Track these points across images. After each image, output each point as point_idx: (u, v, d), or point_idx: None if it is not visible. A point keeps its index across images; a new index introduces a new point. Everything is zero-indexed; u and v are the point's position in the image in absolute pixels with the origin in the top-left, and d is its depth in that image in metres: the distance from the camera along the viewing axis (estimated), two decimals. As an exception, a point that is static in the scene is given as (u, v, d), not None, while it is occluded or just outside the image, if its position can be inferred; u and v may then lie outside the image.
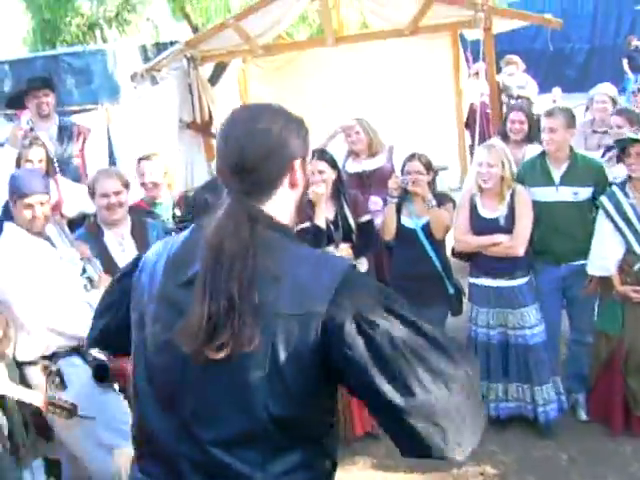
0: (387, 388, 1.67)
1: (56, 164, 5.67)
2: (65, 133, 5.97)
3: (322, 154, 4.89)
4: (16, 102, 6.25)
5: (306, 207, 4.65)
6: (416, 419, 1.67)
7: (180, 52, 7.90)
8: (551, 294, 4.88)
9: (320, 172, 4.74)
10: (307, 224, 4.66)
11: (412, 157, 4.96)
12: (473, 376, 1.75)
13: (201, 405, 1.80)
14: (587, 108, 9.79)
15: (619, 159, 4.62)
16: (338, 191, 4.88)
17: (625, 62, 15.84)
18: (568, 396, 4.93)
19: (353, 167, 5.77)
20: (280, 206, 1.89)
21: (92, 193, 4.33)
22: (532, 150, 5.37)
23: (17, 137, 5.64)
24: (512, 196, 4.65)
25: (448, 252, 5.07)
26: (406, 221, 4.94)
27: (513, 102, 9.35)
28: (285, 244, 1.84)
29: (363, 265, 4.90)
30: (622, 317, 4.56)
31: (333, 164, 4.87)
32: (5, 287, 3.64)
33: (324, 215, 4.71)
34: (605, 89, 6.61)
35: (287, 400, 1.74)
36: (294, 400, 1.75)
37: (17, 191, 3.75)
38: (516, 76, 10.52)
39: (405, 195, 4.95)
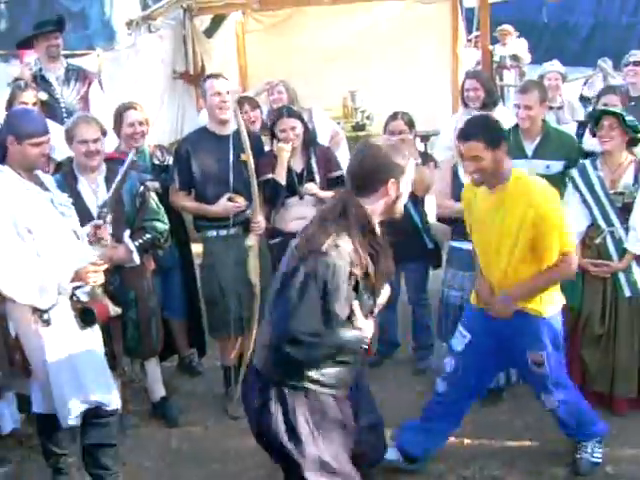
0: None
1: (62, 105, 5.77)
2: (72, 76, 6.04)
3: (290, 111, 5.03)
4: (24, 43, 6.31)
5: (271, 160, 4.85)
6: None
7: (177, 2, 7.91)
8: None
9: (292, 128, 4.87)
10: (269, 176, 4.85)
11: (395, 117, 5.04)
12: None
13: None
14: (585, 82, 9.83)
15: (593, 133, 4.64)
16: (307, 145, 5.00)
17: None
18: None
19: None
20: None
21: (70, 138, 4.34)
22: (500, 113, 5.34)
23: (27, 77, 5.72)
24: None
25: (433, 217, 5.21)
26: None
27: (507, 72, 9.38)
28: None
29: None
30: (582, 290, 4.60)
31: (301, 119, 5.00)
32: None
33: (284, 171, 4.85)
34: (557, 67, 6.87)
35: None
36: None
37: (24, 130, 3.69)
38: (508, 45, 10.53)
39: None
